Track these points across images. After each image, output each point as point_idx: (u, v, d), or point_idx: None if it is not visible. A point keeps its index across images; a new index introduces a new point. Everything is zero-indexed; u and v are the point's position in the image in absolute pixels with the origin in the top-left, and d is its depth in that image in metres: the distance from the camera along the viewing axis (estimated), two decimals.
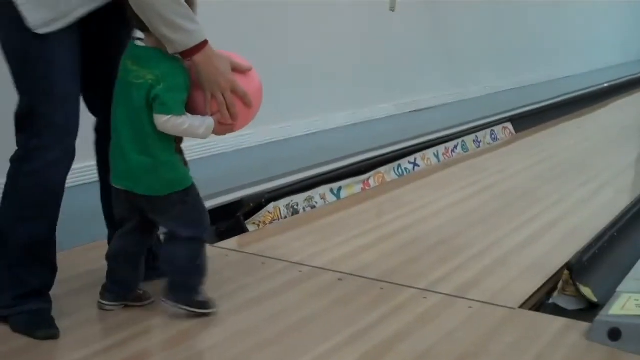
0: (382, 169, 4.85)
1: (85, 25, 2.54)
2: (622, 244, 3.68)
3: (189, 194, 2.62)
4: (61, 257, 2.68)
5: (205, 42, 2.47)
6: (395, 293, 2.99)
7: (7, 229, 2.53)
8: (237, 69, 2.59)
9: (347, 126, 6.63)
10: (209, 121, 2.54)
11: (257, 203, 3.85)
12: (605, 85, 9.70)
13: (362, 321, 2.73)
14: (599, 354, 2.52)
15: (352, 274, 3.11)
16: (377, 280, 3.10)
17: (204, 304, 2.68)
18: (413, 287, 3.04)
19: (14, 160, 2.54)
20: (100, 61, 2.67)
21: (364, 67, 6.93)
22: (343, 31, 6.58)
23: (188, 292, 2.67)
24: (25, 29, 2.41)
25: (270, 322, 2.68)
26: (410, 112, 7.50)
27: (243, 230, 3.71)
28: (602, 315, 2.67)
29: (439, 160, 5.46)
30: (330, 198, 4.32)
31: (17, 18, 2.41)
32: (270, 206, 3.89)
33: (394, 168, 4.97)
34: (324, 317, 2.76)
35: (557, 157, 5.91)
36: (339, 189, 4.41)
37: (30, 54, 2.46)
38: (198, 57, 2.47)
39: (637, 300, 2.74)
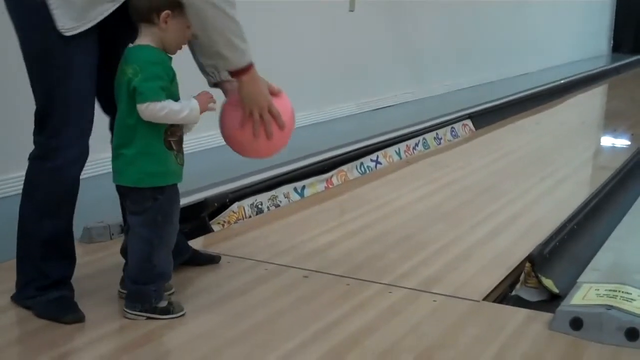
0: (344, 167, 4.88)
1: (102, 29, 2.63)
2: (582, 236, 3.74)
3: (164, 193, 2.64)
4: None
5: (252, 64, 2.63)
6: (361, 289, 3.02)
7: (30, 225, 2.67)
8: (271, 91, 2.76)
9: (309, 125, 6.65)
10: (192, 103, 2.59)
11: (222, 203, 3.85)
12: (563, 81, 9.82)
13: (328, 317, 2.76)
14: (561, 343, 2.57)
15: (317, 271, 3.14)
16: (343, 276, 3.13)
17: (168, 310, 2.69)
18: (378, 283, 3.07)
19: (34, 158, 2.66)
20: (113, 63, 2.72)
21: (325, 67, 6.96)
22: (304, 32, 6.60)
23: (145, 300, 2.67)
24: (52, 30, 2.51)
25: (236, 321, 2.70)
26: (371, 110, 7.54)
27: (208, 230, 3.71)
28: (564, 306, 2.73)
29: (400, 158, 5.49)
30: (294, 197, 4.34)
31: (45, 19, 2.50)
32: (235, 206, 3.90)
33: (356, 166, 5.00)
34: (290, 314, 2.78)
35: (516, 153, 5.98)
36: (303, 187, 4.43)
37: (53, 55, 2.56)
38: (246, 77, 2.66)
39: (598, 290, 2.80)
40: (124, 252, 2.84)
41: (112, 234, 3.43)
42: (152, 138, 2.58)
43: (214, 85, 2.85)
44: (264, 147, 2.84)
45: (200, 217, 3.73)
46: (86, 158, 2.70)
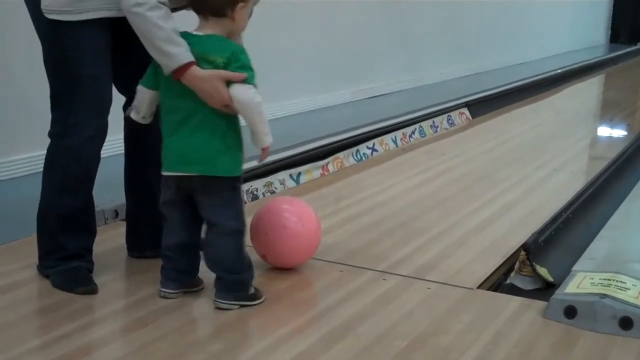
0: (340, 154, 4.87)
1: (117, 24, 2.70)
2: (577, 225, 3.75)
3: (239, 181, 2.68)
4: None
5: (187, 65, 2.55)
6: (355, 275, 3.01)
7: (49, 201, 2.78)
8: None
9: (305, 112, 6.64)
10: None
11: None
12: (559, 71, 9.81)
13: (322, 304, 2.76)
14: (555, 332, 2.58)
15: (312, 258, 3.13)
16: (337, 263, 3.13)
17: (255, 296, 2.70)
18: (372, 270, 3.07)
19: (53, 135, 2.75)
20: (132, 52, 2.77)
21: (321, 54, 6.94)
22: (300, 19, 6.58)
23: (243, 288, 2.68)
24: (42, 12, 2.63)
25: None
26: (368, 98, 7.52)
27: None
28: (558, 294, 2.73)
29: (397, 145, 5.49)
30: (290, 183, 4.33)
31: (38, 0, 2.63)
32: None
33: (352, 153, 5.00)
34: (284, 300, 2.78)
35: (513, 142, 5.97)
36: (299, 174, 4.42)
37: (53, 37, 2.67)
38: (184, 79, 2.57)
39: (592, 279, 2.79)
40: (167, 251, 2.75)
41: (107, 219, 3.42)
42: (238, 129, 2.64)
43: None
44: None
45: None
46: (104, 136, 2.76)
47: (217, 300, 2.66)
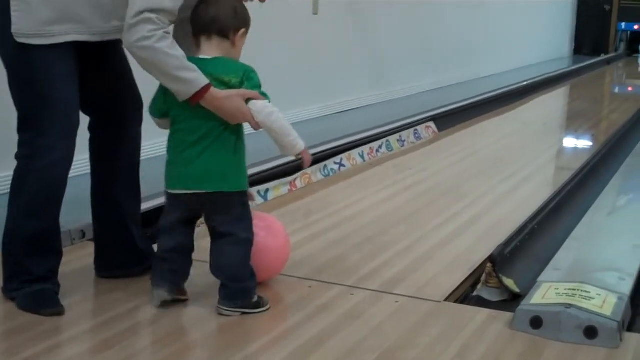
0: (308, 170, 4.87)
1: (83, 48, 2.72)
2: (543, 236, 3.78)
3: (247, 196, 2.79)
4: None
5: (205, 88, 2.61)
6: (323, 291, 3.03)
7: (16, 223, 2.75)
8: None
9: None
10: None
11: None
12: (525, 83, 9.90)
13: (290, 319, 2.78)
14: (521, 342, 2.61)
15: (280, 274, 3.14)
16: (305, 279, 3.14)
17: (259, 303, 2.77)
18: (340, 285, 3.09)
19: (22, 157, 2.72)
20: (96, 74, 2.86)
21: (288, 70, 6.96)
22: (267, 35, 6.60)
23: (246, 296, 2.75)
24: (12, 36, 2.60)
25: (199, 324, 2.70)
26: (334, 113, 7.55)
27: None
28: (524, 305, 2.76)
29: (364, 160, 5.51)
30: (258, 200, 4.33)
31: (7, 21, 2.59)
32: None
33: (320, 169, 5.01)
34: (253, 316, 2.78)
35: (479, 154, 6.02)
36: (266, 190, 4.43)
37: (22, 61, 2.65)
38: (204, 102, 2.63)
39: (557, 289, 2.83)
40: (165, 252, 2.82)
41: (74, 239, 3.41)
42: (245, 148, 2.76)
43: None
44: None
45: None
46: (72, 158, 2.75)
47: (220, 307, 2.74)
